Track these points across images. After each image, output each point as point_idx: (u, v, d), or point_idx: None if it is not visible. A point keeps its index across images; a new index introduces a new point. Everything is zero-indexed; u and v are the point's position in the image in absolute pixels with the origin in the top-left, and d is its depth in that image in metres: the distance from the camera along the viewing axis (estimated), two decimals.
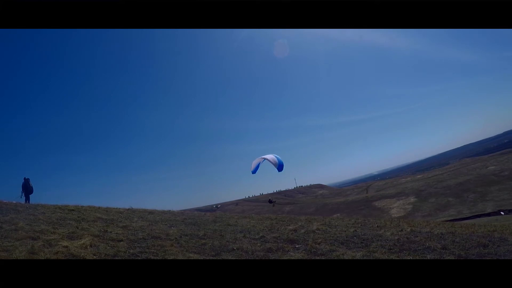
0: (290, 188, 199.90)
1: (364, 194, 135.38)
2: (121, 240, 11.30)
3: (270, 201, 27.28)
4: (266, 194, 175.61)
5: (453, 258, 10.26)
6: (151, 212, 19.50)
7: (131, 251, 10.13)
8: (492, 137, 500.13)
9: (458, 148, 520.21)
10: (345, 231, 15.04)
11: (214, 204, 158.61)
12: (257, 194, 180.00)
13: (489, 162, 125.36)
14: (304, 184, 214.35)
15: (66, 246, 9.70)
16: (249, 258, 10.49)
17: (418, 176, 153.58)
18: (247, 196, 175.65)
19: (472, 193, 77.81)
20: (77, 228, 12.89)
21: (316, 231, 14.99)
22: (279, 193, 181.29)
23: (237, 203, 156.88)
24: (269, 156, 28.08)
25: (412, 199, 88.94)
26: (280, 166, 26.89)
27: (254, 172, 29.32)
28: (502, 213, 61.56)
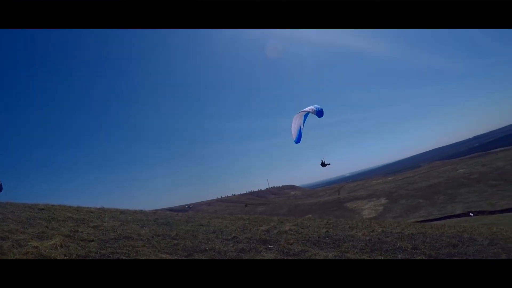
0: (263, 189, 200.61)
1: (336, 196, 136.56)
2: (92, 241, 11.12)
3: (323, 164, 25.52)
4: (239, 195, 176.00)
5: (424, 258, 10.45)
6: (123, 211, 19.28)
7: (102, 251, 9.96)
8: (462, 141, 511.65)
9: (429, 151, 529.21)
10: (317, 232, 15.17)
11: (187, 204, 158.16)
12: (230, 194, 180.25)
13: (459, 165, 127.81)
14: (276, 185, 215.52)
15: (36, 247, 9.49)
16: (238, 258, 10.51)
17: (390, 178, 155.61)
18: (219, 197, 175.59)
19: (442, 195, 79.15)
20: (47, 227, 12.65)
21: (288, 231, 15.06)
22: (252, 193, 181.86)
23: (209, 203, 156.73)
24: (308, 109, 24.95)
25: (383, 200, 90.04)
26: (319, 112, 24.15)
27: (297, 141, 26.24)
28: (471, 214, 62.76)
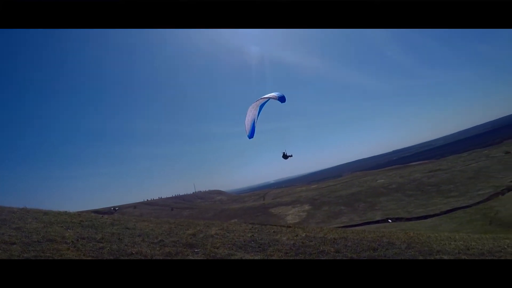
0: (189, 193, 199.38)
1: (261, 201, 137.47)
2: (14, 243, 10.72)
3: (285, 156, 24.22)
4: (165, 198, 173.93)
5: (345, 259, 10.91)
6: (46, 212, 18.65)
7: (25, 255, 9.60)
8: (382, 154, 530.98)
9: (351, 162, 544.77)
10: (243, 236, 15.42)
11: (112, 207, 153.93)
12: (156, 197, 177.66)
13: (379, 176, 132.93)
14: (203, 190, 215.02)
15: None
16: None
17: (313, 186, 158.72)
18: (146, 199, 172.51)
19: (363, 202, 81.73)
20: None
21: (214, 235, 15.21)
22: (178, 197, 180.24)
23: (135, 206, 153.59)
24: (269, 95, 23.78)
25: (306, 207, 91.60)
26: (281, 98, 23.22)
27: (251, 136, 24.93)
28: (389, 220, 65.18)
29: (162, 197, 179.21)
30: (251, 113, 24.27)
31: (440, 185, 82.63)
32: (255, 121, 24.21)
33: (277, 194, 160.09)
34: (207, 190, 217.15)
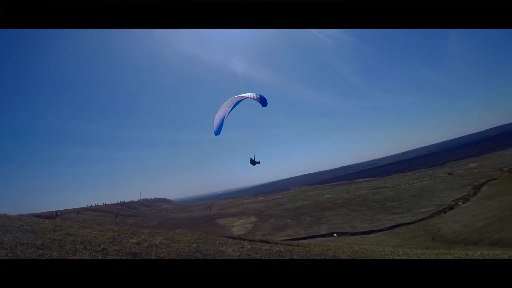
0: (134, 200, 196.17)
1: (207, 211, 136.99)
2: None
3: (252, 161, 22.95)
4: (109, 204, 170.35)
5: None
6: None
7: None
8: (330, 169, 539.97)
9: (298, 176, 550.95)
10: (188, 247, 15.28)
11: (54, 211, 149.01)
12: (100, 203, 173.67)
13: (325, 191, 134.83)
14: (148, 197, 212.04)
15: None
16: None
17: (260, 198, 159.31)
18: (89, 205, 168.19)
19: (309, 216, 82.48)
20: None
21: (159, 245, 15.00)
22: (123, 204, 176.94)
23: (78, 211, 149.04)
24: (247, 95, 22.66)
25: (253, 218, 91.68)
26: (262, 100, 22.25)
27: (217, 132, 23.90)
28: (335, 235, 66.01)
29: (107, 203, 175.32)
30: (223, 109, 23.46)
31: (384, 202, 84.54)
32: (225, 118, 23.42)
33: (224, 205, 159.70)
34: (153, 197, 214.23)
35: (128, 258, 9.86)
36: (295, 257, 14.02)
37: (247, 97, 22.60)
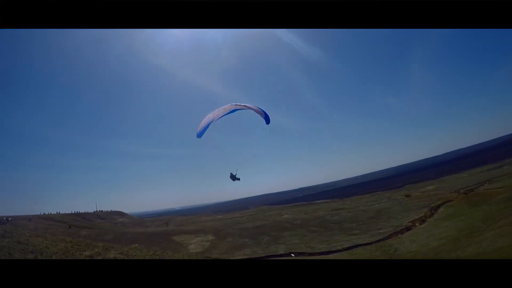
0: (90, 211, 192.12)
1: (164, 227, 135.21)
2: None
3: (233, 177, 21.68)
4: (63, 214, 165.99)
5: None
6: None
7: None
8: (289, 190, 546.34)
9: (258, 195, 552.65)
10: None
11: (5, 216, 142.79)
12: (54, 212, 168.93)
13: (284, 211, 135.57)
14: (104, 209, 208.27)
15: None
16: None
17: (219, 217, 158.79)
18: (42, 213, 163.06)
19: (267, 236, 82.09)
20: None
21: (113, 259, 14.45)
22: (77, 214, 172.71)
23: (30, 218, 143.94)
24: (252, 106, 21.59)
25: (210, 237, 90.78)
26: (267, 117, 21.46)
27: (200, 135, 22.11)
28: (292, 255, 65.86)
29: (61, 212, 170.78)
30: (216, 113, 22.23)
31: (343, 223, 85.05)
32: (213, 121, 22.02)
33: (181, 221, 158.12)
34: (109, 210, 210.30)
35: (128, 259, 9.43)
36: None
37: (250, 109, 21.83)
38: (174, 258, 9.98)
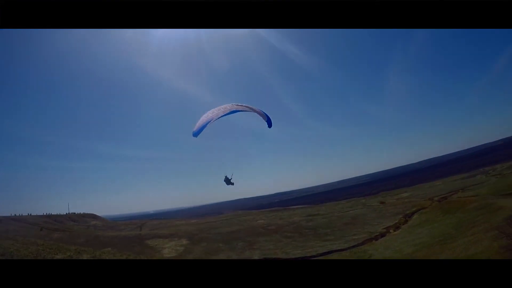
0: (62, 213, 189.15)
1: (137, 231, 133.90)
2: None
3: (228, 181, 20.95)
4: (35, 216, 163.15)
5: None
6: None
7: None
8: (265, 195, 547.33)
9: (233, 200, 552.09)
10: None
11: None
12: (25, 213, 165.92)
13: (259, 216, 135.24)
14: (77, 212, 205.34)
15: None
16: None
17: (193, 221, 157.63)
18: (13, 214, 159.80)
19: (242, 241, 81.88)
20: None
21: None
22: (49, 216, 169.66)
23: (0, 220, 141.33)
24: (256, 108, 20.97)
25: (184, 241, 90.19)
26: (269, 121, 21.09)
27: (196, 134, 21.14)
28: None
29: (32, 214, 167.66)
30: (215, 112, 21.26)
31: (317, 229, 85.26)
32: (211, 121, 20.93)
33: (155, 225, 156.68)
34: (81, 212, 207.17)
35: (128, 259, 9.27)
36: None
37: (252, 111, 21.26)
38: (174, 259, 10.07)
